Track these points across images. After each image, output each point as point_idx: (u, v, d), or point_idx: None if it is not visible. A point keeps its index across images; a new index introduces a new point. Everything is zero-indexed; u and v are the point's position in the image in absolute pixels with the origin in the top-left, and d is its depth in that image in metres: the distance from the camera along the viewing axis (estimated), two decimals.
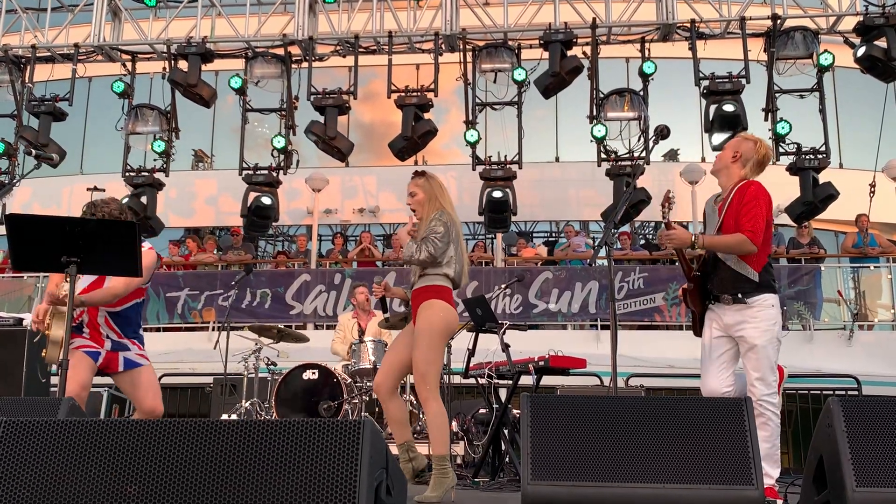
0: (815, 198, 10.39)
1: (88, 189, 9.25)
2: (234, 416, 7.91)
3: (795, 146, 10.62)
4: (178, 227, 16.74)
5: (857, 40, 10.61)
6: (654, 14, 11.22)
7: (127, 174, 11.62)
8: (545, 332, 12.27)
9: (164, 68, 11.93)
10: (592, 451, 3.29)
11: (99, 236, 4.31)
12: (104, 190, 10.32)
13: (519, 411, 7.04)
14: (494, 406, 7.06)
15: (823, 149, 10.57)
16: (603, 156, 11.03)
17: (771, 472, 4.35)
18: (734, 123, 10.35)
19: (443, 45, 11.45)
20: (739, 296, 4.55)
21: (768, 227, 4.60)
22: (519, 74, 11.00)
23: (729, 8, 11.12)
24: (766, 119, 10.77)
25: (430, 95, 11.18)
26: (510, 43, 11.32)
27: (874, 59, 10.29)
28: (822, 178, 10.56)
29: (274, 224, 13.20)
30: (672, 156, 16.55)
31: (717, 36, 11.20)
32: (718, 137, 10.56)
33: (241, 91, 11.45)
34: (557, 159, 16.62)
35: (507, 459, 6.80)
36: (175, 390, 10.46)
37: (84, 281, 4.90)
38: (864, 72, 10.32)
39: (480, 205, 11.10)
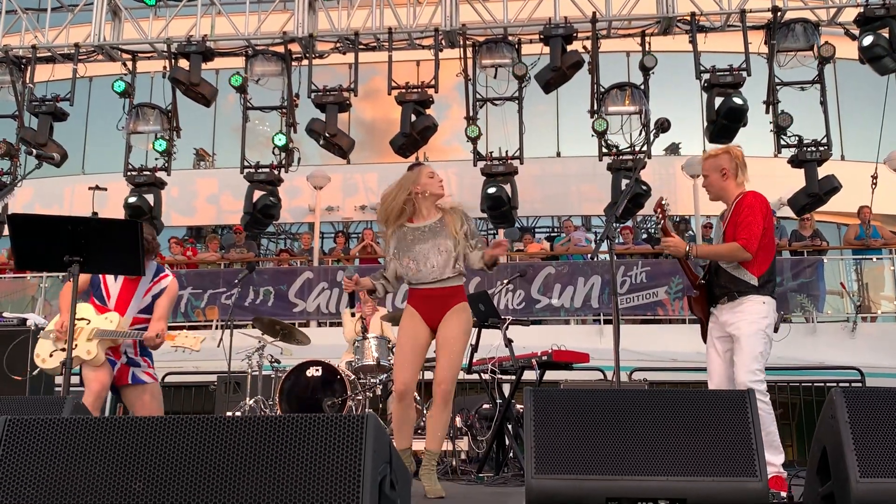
0: (821, 190, 10.37)
1: (90, 188, 9.28)
2: (238, 414, 7.92)
3: (797, 138, 10.61)
4: (180, 226, 16.76)
5: (857, 32, 10.58)
6: (654, 7, 11.20)
7: (129, 173, 11.63)
8: (548, 327, 12.29)
9: (165, 67, 11.93)
10: (596, 445, 3.30)
11: (101, 235, 4.32)
12: (105, 189, 10.35)
13: (522, 406, 7.07)
14: (498, 401, 7.06)
15: (825, 141, 10.56)
16: (604, 150, 11.02)
17: (773, 459, 4.40)
18: (740, 117, 10.34)
19: (443, 41, 11.44)
20: (735, 295, 4.72)
21: (766, 233, 4.74)
22: (519, 69, 10.98)
23: (729, 1, 11.09)
24: (767, 111, 10.76)
25: (431, 92, 11.18)
26: (510, 38, 11.30)
27: (878, 52, 10.26)
28: (824, 170, 10.55)
29: (276, 222, 13.22)
30: (673, 150, 16.54)
31: (718, 29, 11.18)
32: (721, 132, 10.51)
33: (241, 89, 11.45)
34: (559, 154, 16.62)
35: (511, 454, 6.81)
36: (179, 388, 10.48)
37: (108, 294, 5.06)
38: (864, 62, 10.28)
39: (481, 201, 11.11)
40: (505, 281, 8.73)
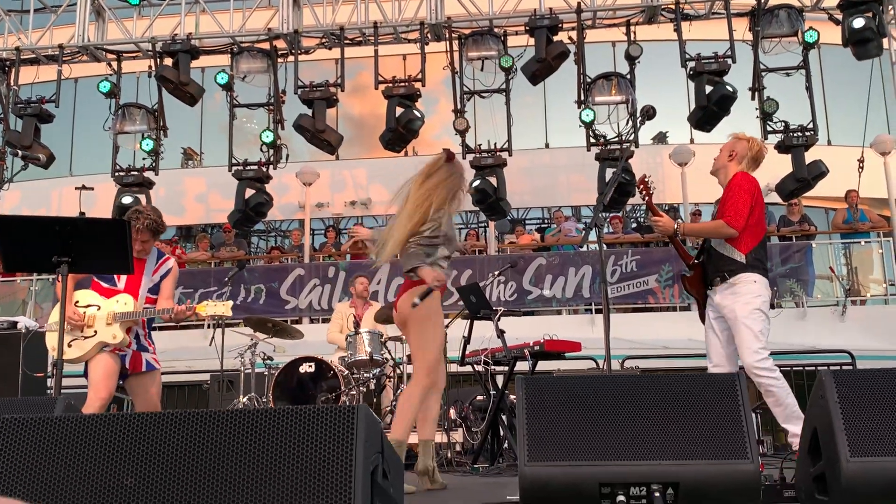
0: (808, 175, 10.42)
1: (77, 188, 9.18)
2: None
3: (783, 124, 10.64)
4: (169, 226, 16.71)
5: (840, 16, 10.61)
6: None
7: (116, 174, 11.59)
8: (540, 317, 12.32)
9: (150, 67, 11.89)
10: (588, 431, 3.31)
11: (89, 235, 4.31)
12: (92, 189, 10.27)
13: (515, 396, 7.09)
14: (491, 392, 7.09)
15: (811, 126, 10.60)
16: (592, 140, 11.03)
17: (795, 429, 4.47)
18: (729, 105, 10.39)
19: (429, 35, 11.43)
20: (726, 275, 4.78)
21: (754, 211, 4.81)
22: (506, 61, 10.99)
23: None
24: (753, 98, 10.79)
25: (418, 85, 11.17)
26: (496, 30, 11.30)
27: (868, 35, 10.30)
28: (811, 155, 10.59)
29: (265, 219, 13.20)
30: (661, 138, 16.58)
31: (702, 17, 11.20)
32: (709, 119, 10.55)
33: (227, 87, 11.42)
34: (547, 145, 16.63)
35: (505, 445, 6.83)
36: (172, 388, 10.47)
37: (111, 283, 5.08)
38: (847, 45, 10.32)
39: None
40: (496, 273, 8.74)
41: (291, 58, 11.66)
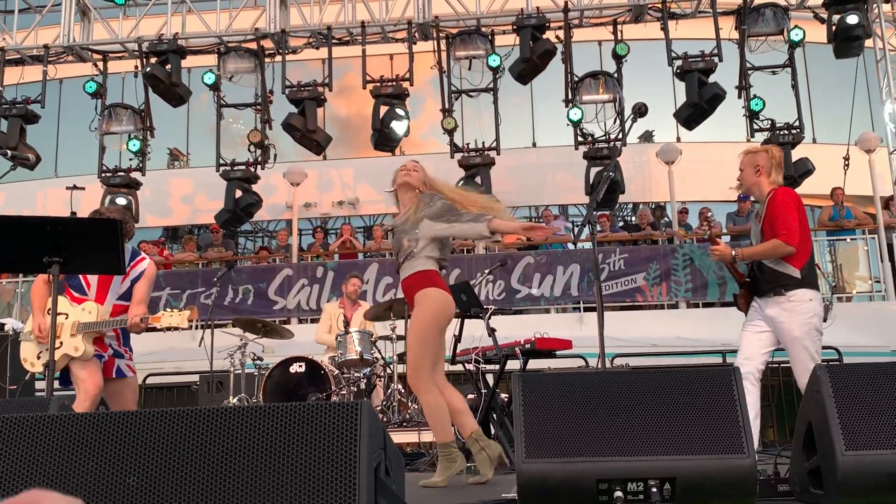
0: (795, 172, 10.49)
1: (68, 188, 9.12)
2: None
3: (769, 122, 10.70)
4: (155, 227, 16.63)
5: (825, 14, 10.70)
6: None
7: (103, 175, 11.53)
8: (529, 316, 12.32)
9: (136, 67, 11.83)
10: (585, 427, 3.32)
11: (81, 235, 4.27)
12: (84, 189, 10.22)
13: (507, 395, 7.09)
14: (483, 391, 7.08)
15: (797, 124, 10.67)
16: (580, 139, 11.06)
17: None
18: (718, 104, 10.48)
19: (416, 34, 11.43)
20: (782, 290, 4.79)
21: (802, 226, 4.83)
22: (493, 61, 11.00)
23: None
24: (739, 96, 10.85)
25: (406, 85, 11.17)
26: (483, 30, 11.32)
27: (859, 32, 10.39)
28: (797, 153, 10.66)
29: (253, 220, 13.15)
30: (647, 137, 16.63)
31: (689, 15, 11.26)
32: (698, 117, 10.62)
33: (214, 87, 11.38)
34: (534, 144, 16.66)
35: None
36: (161, 390, 10.41)
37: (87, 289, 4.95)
38: (833, 42, 10.40)
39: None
40: (485, 271, 8.72)
41: (279, 57, 11.63)
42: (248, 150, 11.47)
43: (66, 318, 4.83)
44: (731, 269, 5.10)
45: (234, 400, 8.16)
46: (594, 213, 5.01)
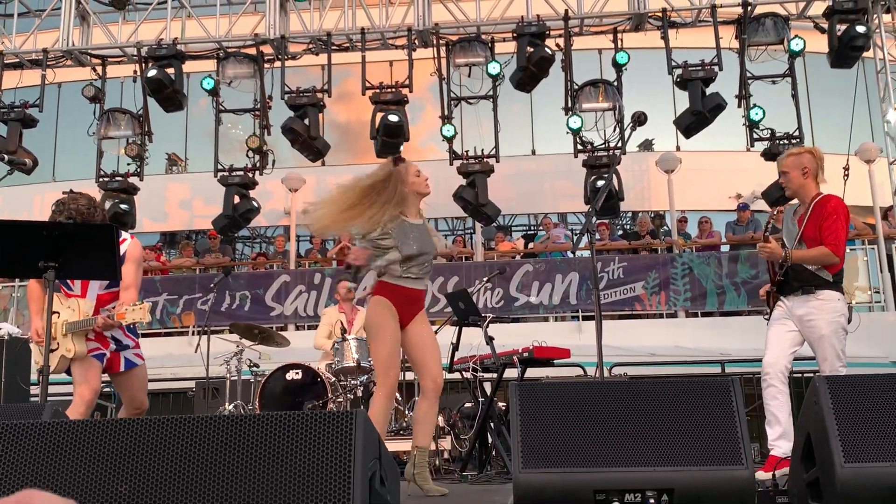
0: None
1: (64, 193, 9.06)
2: None
3: (769, 132, 10.70)
4: (152, 232, 16.60)
5: (826, 24, 10.70)
6: (625, 4, 11.27)
7: (100, 179, 11.51)
8: (527, 324, 12.28)
9: (135, 72, 11.82)
10: (582, 437, 3.29)
11: (77, 240, 4.25)
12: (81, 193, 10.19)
13: (504, 404, 7.06)
14: (480, 400, 7.05)
15: (797, 134, 10.66)
16: (579, 147, 11.06)
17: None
18: (718, 113, 10.53)
19: (416, 41, 11.43)
20: (812, 288, 4.90)
21: (846, 237, 4.96)
22: (493, 68, 11.00)
23: None
24: (739, 106, 10.86)
25: (405, 91, 11.16)
26: (483, 37, 11.32)
27: (863, 42, 10.41)
28: None
29: (251, 226, 13.12)
30: (647, 145, 16.62)
31: (689, 24, 11.27)
32: (698, 125, 10.64)
33: (213, 92, 11.37)
34: (534, 152, 16.65)
35: (493, 453, 6.80)
36: (157, 395, 10.36)
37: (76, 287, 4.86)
38: (835, 50, 10.40)
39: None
40: (484, 279, 8.69)
41: (278, 63, 11.62)
42: (247, 155, 11.45)
43: (59, 316, 4.73)
44: (772, 267, 5.19)
45: (230, 407, 8.13)
46: (593, 221, 5.01)
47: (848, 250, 12.58)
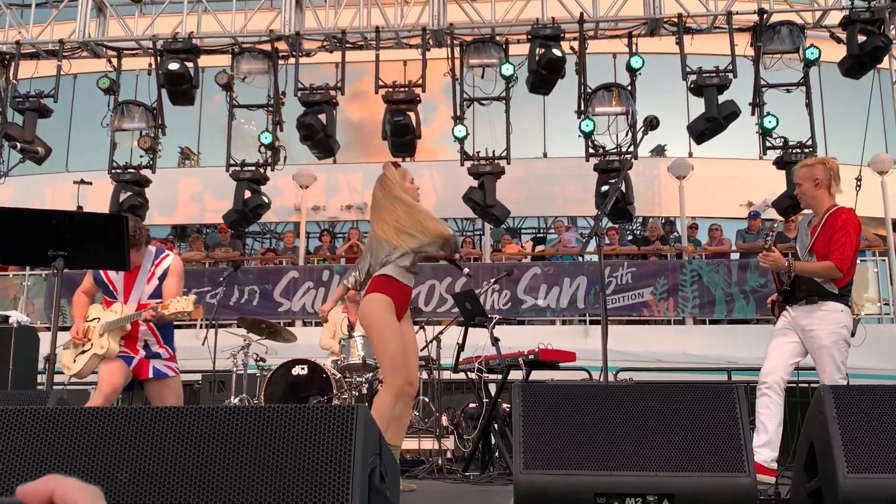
0: None
1: (75, 182, 9.15)
2: None
3: (782, 140, 10.66)
4: (163, 225, 16.66)
5: (843, 35, 10.66)
6: (641, 9, 11.24)
7: (113, 171, 11.56)
8: (534, 327, 12.29)
9: (150, 64, 11.87)
10: (584, 440, 3.29)
11: (86, 229, 4.27)
12: (91, 183, 10.25)
13: (508, 405, 7.06)
14: (484, 400, 7.05)
15: (810, 143, 10.62)
16: (591, 151, 11.04)
17: None
18: (732, 121, 10.52)
19: (430, 41, 11.43)
20: (816, 298, 4.91)
21: (855, 251, 4.92)
22: (506, 70, 10.99)
23: (716, 3, 11.15)
24: (752, 113, 10.82)
25: (418, 91, 11.17)
26: (498, 38, 11.31)
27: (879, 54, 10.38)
28: None
29: (261, 221, 13.15)
30: (659, 151, 16.58)
31: (704, 31, 11.23)
32: (712, 132, 10.63)
33: (227, 87, 11.40)
34: (545, 155, 16.63)
35: (496, 454, 6.79)
36: None
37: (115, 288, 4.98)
38: (854, 58, 10.36)
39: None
40: (491, 280, 8.69)
41: (292, 60, 11.65)
42: (259, 151, 11.48)
43: (98, 321, 4.96)
44: (777, 277, 5.18)
45: (236, 400, 8.15)
46: (602, 225, 5.02)
47: (858, 261, 12.65)
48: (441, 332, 7.92)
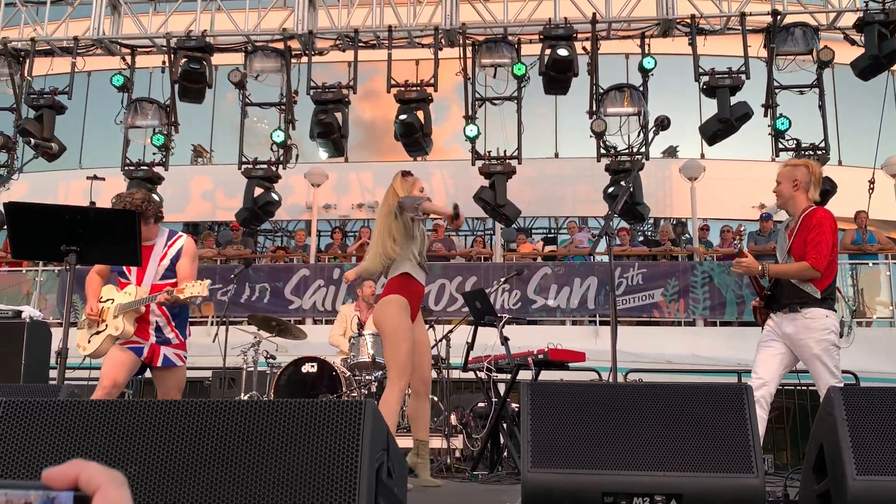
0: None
1: (88, 178, 9.19)
2: None
3: (795, 142, 10.62)
4: (175, 222, 16.73)
5: (857, 37, 10.61)
6: (654, 10, 11.21)
7: (126, 168, 11.62)
8: (544, 327, 12.28)
9: (164, 62, 11.92)
10: (592, 439, 3.29)
11: (99, 225, 4.30)
12: (104, 179, 10.32)
13: (517, 405, 7.06)
14: (493, 400, 7.05)
15: (823, 145, 10.58)
16: (602, 151, 11.03)
17: None
18: (744, 122, 10.48)
19: (442, 40, 11.44)
20: (798, 307, 4.81)
21: (833, 250, 4.84)
22: (518, 70, 10.99)
23: (729, 4, 11.11)
24: (765, 115, 10.77)
25: (430, 90, 11.18)
26: (510, 38, 11.31)
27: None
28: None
29: (272, 219, 13.19)
30: (671, 152, 16.55)
31: (717, 32, 11.19)
32: (723, 134, 10.61)
33: (240, 85, 11.44)
34: (556, 155, 16.63)
35: (505, 453, 6.80)
36: None
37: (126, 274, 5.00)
38: (871, 58, 10.30)
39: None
40: (502, 280, 8.68)
41: (305, 59, 11.68)
42: (271, 149, 11.52)
43: (112, 302, 4.93)
44: (755, 282, 5.13)
45: (245, 397, 8.18)
46: (612, 225, 5.02)
47: (870, 265, 12.60)
48: (451, 331, 7.93)
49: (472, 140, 11.15)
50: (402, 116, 10.97)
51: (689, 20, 10.96)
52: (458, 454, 7.62)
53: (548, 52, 10.77)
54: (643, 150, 10.72)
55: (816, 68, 10.66)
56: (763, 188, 14.93)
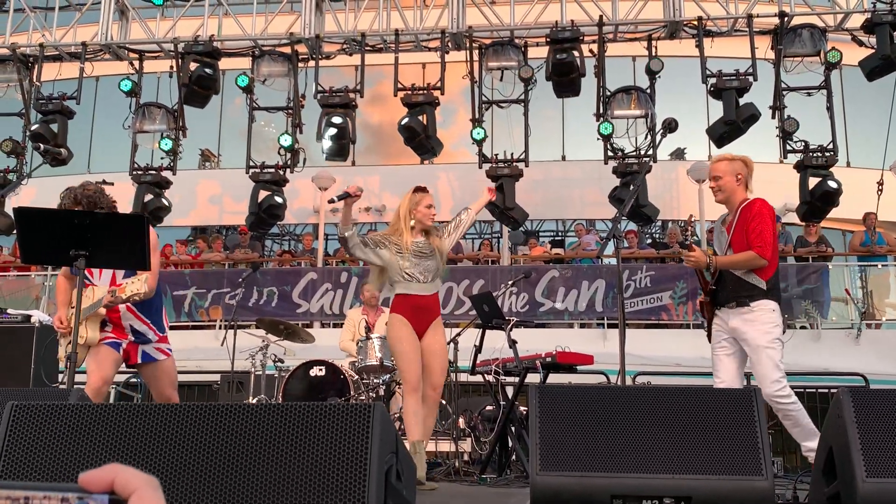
0: (812, 196, 10.38)
1: (98, 183, 9.13)
2: None
3: (803, 144, 10.59)
4: (182, 226, 16.77)
5: (865, 38, 10.58)
6: (661, 12, 11.20)
7: (134, 172, 11.66)
8: (552, 330, 12.26)
9: (172, 67, 11.96)
10: (601, 442, 3.29)
11: (108, 229, 4.31)
12: (112, 184, 10.32)
13: (526, 408, 7.05)
14: (501, 403, 7.04)
15: (831, 147, 10.54)
16: (609, 154, 11.02)
17: (812, 445, 4.54)
18: (752, 124, 10.47)
19: (449, 44, 11.45)
20: (746, 301, 4.81)
21: (774, 238, 4.87)
22: (525, 72, 10.99)
23: (736, 5, 11.10)
24: (773, 117, 10.75)
25: (437, 94, 11.19)
26: (517, 41, 11.31)
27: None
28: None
29: (280, 223, 13.22)
30: (678, 154, 16.53)
31: (725, 33, 11.17)
32: (730, 136, 10.59)
33: (247, 89, 11.47)
34: (563, 158, 16.61)
35: (513, 456, 6.79)
36: (182, 388, 10.43)
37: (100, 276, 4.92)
38: (881, 59, 10.26)
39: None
40: (509, 283, 8.69)
41: (312, 63, 11.70)
42: (278, 153, 11.55)
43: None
44: (700, 276, 5.10)
45: (254, 401, 8.19)
46: (620, 227, 5.03)
47: (879, 266, 12.55)
48: (458, 335, 7.92)
49: (479, 143, 11.15)
50: (405, 120, 10.98)
51: (695, 22, 10.94)
52: (466, 458, 7.62)
53: (552, 55, 10.78)
54: (651, 152, 10.70)
55: (824, 70, 10.63)
56: (771, 190, 14.86)
